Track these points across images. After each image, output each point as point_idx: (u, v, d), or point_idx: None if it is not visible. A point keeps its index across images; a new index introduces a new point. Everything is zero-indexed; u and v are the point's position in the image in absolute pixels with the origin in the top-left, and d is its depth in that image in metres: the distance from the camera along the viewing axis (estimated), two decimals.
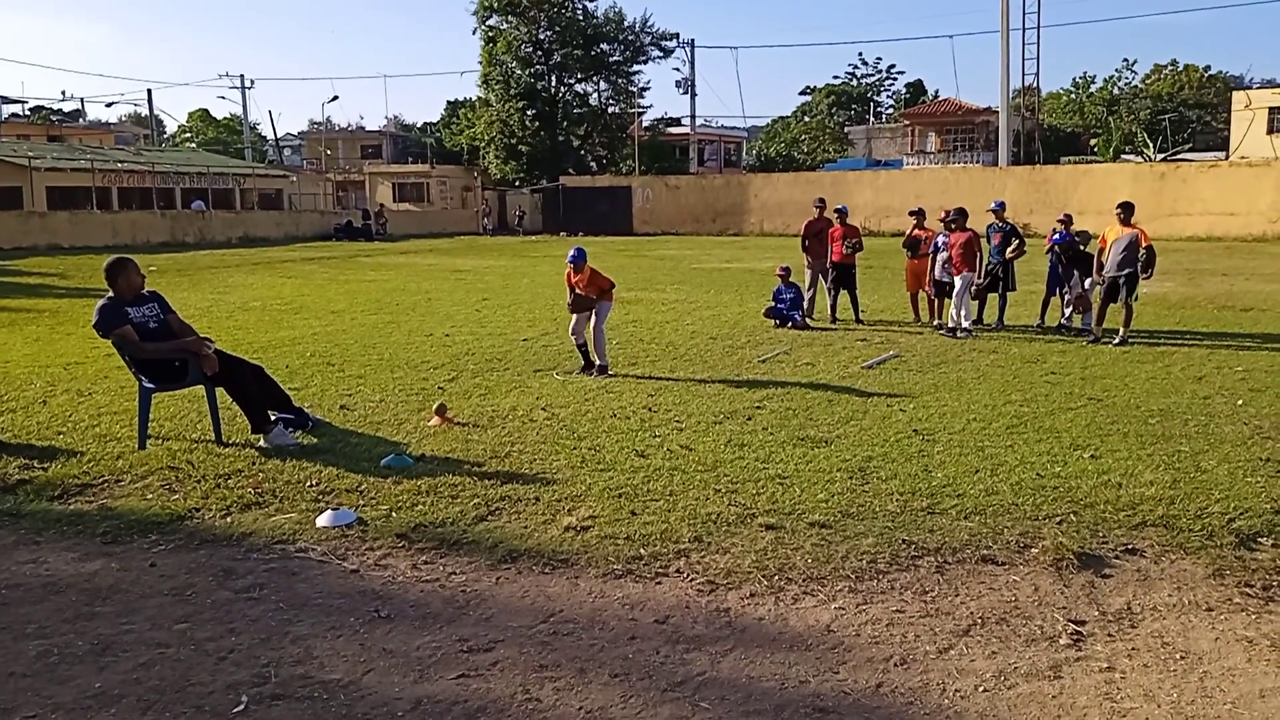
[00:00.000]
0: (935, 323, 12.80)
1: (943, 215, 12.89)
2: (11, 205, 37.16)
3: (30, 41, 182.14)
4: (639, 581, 4.71)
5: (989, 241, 13.21)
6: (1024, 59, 47.05)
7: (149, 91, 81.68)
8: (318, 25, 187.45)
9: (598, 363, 9.79)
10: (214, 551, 5.12)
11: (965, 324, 12.30)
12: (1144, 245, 11.40)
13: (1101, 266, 11.76)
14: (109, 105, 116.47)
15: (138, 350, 7.14)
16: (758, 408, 8.30)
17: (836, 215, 14.09)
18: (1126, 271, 11.40)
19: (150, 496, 5.99)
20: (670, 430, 7.53)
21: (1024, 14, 46.11)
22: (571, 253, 9.64)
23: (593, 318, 9.63)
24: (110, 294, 7.22)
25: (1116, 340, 11.43)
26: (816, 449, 6.94)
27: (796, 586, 4.64)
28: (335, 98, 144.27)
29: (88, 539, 5.31)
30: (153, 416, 7.45)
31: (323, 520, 5.47)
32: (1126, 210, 11.75)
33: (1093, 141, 54.96)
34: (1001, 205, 13.88)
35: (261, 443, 7.04)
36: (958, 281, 12.34)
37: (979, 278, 12.59)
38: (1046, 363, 10.39)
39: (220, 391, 7.33)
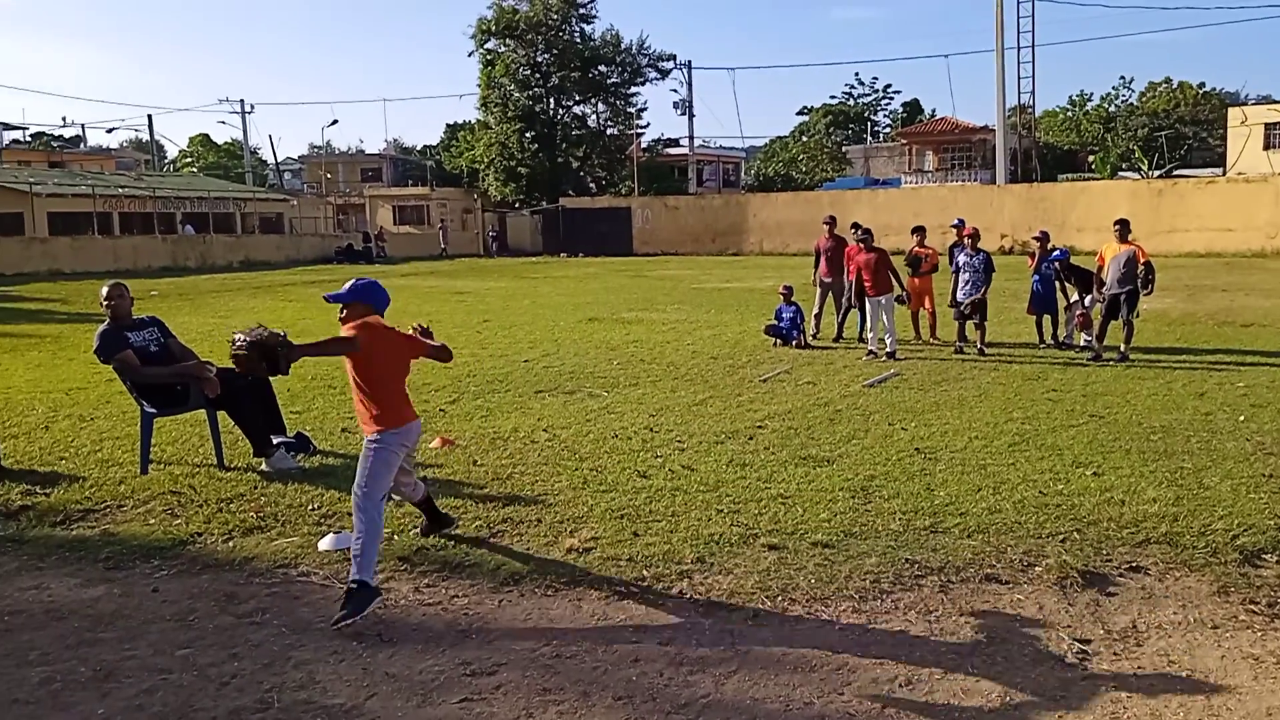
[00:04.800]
0: (957, 344, 12.62)
1: (854, 232, 12.88)
2: (13, 231, 37.25)
3: (32, 68, 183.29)
4: (642, 603, 4.70)
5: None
6: (1020, 77, 47.27)
7: (149, 117, 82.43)
8: (317, 50, 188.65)
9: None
10: (216, 576, 5.11)
11: (890, 346, 12.19)
12: (1142, 261, 11.42)
13: (1101, 284, 11.77)
14: (110, 131, 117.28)
15: (139, 375, 7.15)
16: (759, 427, 8.30)
17: (855, 233, 13.80)
18: (1127, 289, 11.42)
19: (152, 521, 5.99)
20: (672, 451, 7.53)
21: (1019, 33, 46.34)
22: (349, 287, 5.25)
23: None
24: (110, 320, 7.24)
25: (1118, 357, 11.43)
26: (819, 468, 6.93)
27: (800, 607, 4.62)
28: (335, 121, 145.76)
29: (90, 565, 5.30)
30: (155, 441, 7.45)
31: (325, 544, 5.46)
32: (1123, 227, 11.77)
33: (1090, 159, 55.15)
34: (961, 223, 13.95)
35: (263, 466, 7.04)
36: (882, 300, 12.28)
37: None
38: (1048, 380, 10.40)
39: (222, 416, 7.33)
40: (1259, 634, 4.27)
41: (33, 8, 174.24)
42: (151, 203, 43.90)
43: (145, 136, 73.17)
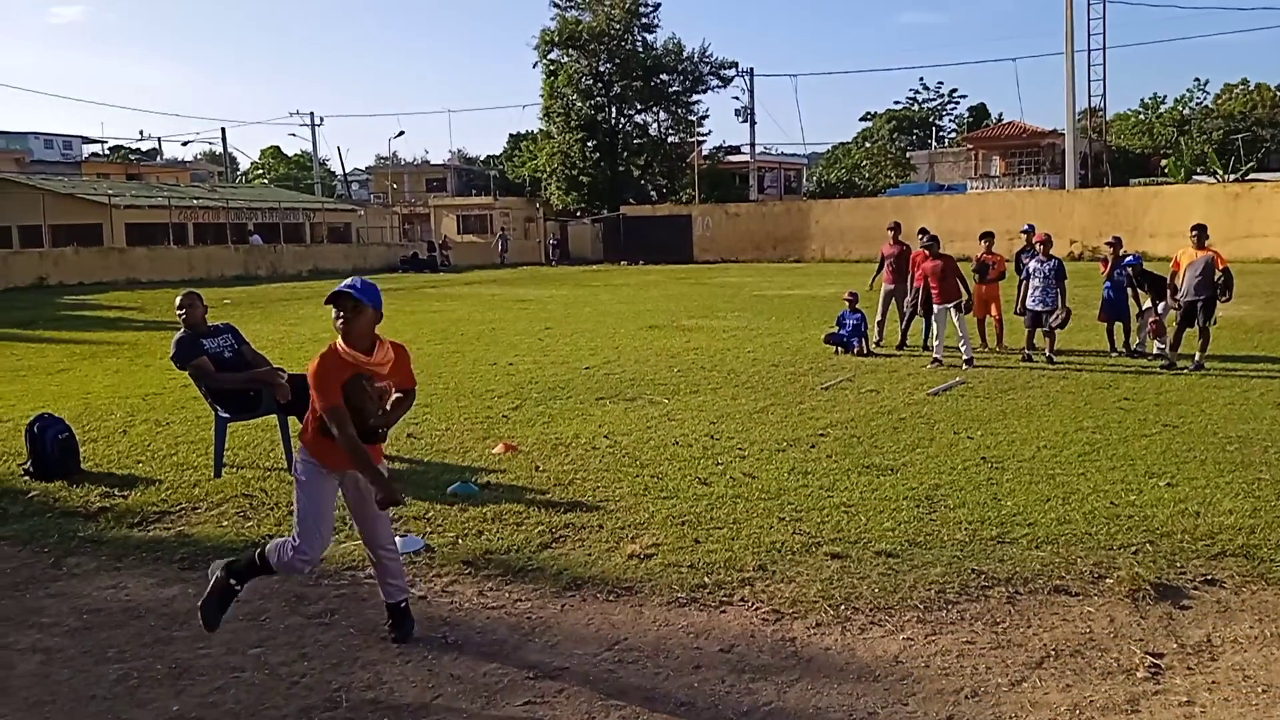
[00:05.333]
0: (1025, 351, 12.41)
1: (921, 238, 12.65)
2: (92, 241, 38.50)
3: (110, 83, 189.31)
4: (703, 610, 4.70)
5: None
6: (1090, 80, 46.39)
7: (223, 130, 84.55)
8: (385, 63, 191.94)
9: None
10: (286, 577, 5.21)
11: (965, 354, 11.98)
12: (1220, 267, 11.13)
13: (1176, 290, 11.49)
14: (185, 144, 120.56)
15: (214, 380, 7.35)
16: (821, 435, 8.24)
17: (921, 238, 13.60)
18: (1204, 295, 11.13)
19: (226, 524, 6.14)
20: (733, 458, 7.51)
21: (1089, 35, 45.48)
22: (348, 284, 4.27)
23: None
24: (185, 327, 7.45)
25: (1192, 365, 11.14)
26: (882, 477, 6.87)
27: (863, 616, 4.59)
28: (401, 133, 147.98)
29: (166, 565, 5.45)
30: (228, 445, 7.64)
31: None
32: (1200, 232, 11.47)
33: (1163, 163, 53.81)
34: (1031, 229, 13.80)
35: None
36: (951, 309, 12.06)
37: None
38: (1119, 389, 10.17)
39: (293, 421, 7.49)
40: None
41: (111, 25, 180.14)
42: (224, 213, 45.03)
43: (219, 149, 75.01)
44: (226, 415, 7.39)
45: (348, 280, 4.19)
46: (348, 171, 79.21)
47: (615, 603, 4.81)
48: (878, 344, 13.81)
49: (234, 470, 7.39)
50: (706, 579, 5.03)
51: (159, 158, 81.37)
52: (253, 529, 5.99)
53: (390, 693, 3.95)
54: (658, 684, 4.01)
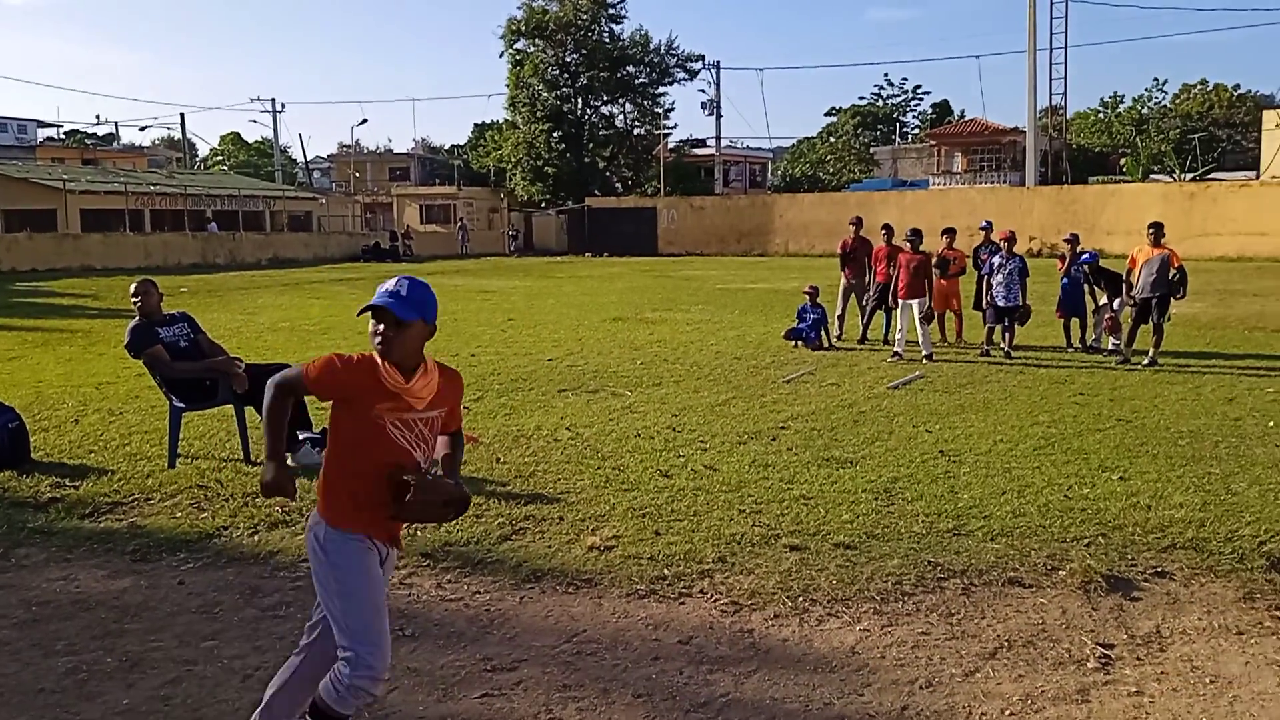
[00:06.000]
0: (984, 346, 12.54)
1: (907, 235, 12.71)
2: (46, 227, 37.80)
3: (66, 66, 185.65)
4: (663, 602, 4.71)
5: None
6: (1051, 79, 46.88)
7: (182, 115, 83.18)
8: (348, 50, 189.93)
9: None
10: (241, 569, 5.16)
11: (925, 349, 12.11)
12: (1175, 266, 11.32)
13: (1131, 287, 11.67)
14: (142, 129, 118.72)
15: (169, 370, 7.24)
16: (782, 428, 8.28)
17: (884, 234, 13.78)
18: (1159, 293, 11.31)
19: (179, 515, 6.06)
20: (694, 450, 7.53)
21: (1051, 34, 45.97)
22: (392, 290, 3.20)
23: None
24: (141, 315, 7.34)
25: (1146, 361, 11.32)
26: (841, 470, 6.92)
27: (821, 608, 4.62)
28: (364, 121, 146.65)
29: (117, 557, 5.37)
30: (182, 436, 7.53)
31: None
32: (1157, 231, 11.66)
33: (1121, 161, 54.60)
34: (989, 225, 14.09)
35: (289, 461, 7.10)
36: (915, 307, 12.17)
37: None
38: (1074, 384, 10.31)
39: (250, 411, 7.40)
40: None
41: (68, 7, 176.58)
42: (182, 200, 44.41)
43: (177, 135, 74.07)
44: (181, 405, 7.29)
45: (391, 283, 3.16)
46: (309, 159, 78.37)
47: (574, 595, 4.81)
48: (839, 338, 13.92)
49: (188, 461, 7.29)
50: (666, 571, 5.04)
51: (116, 143, 79.94)
52: (207, 520, 5.91)
53: None
54: (616, 675, 4.01)
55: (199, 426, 8.23)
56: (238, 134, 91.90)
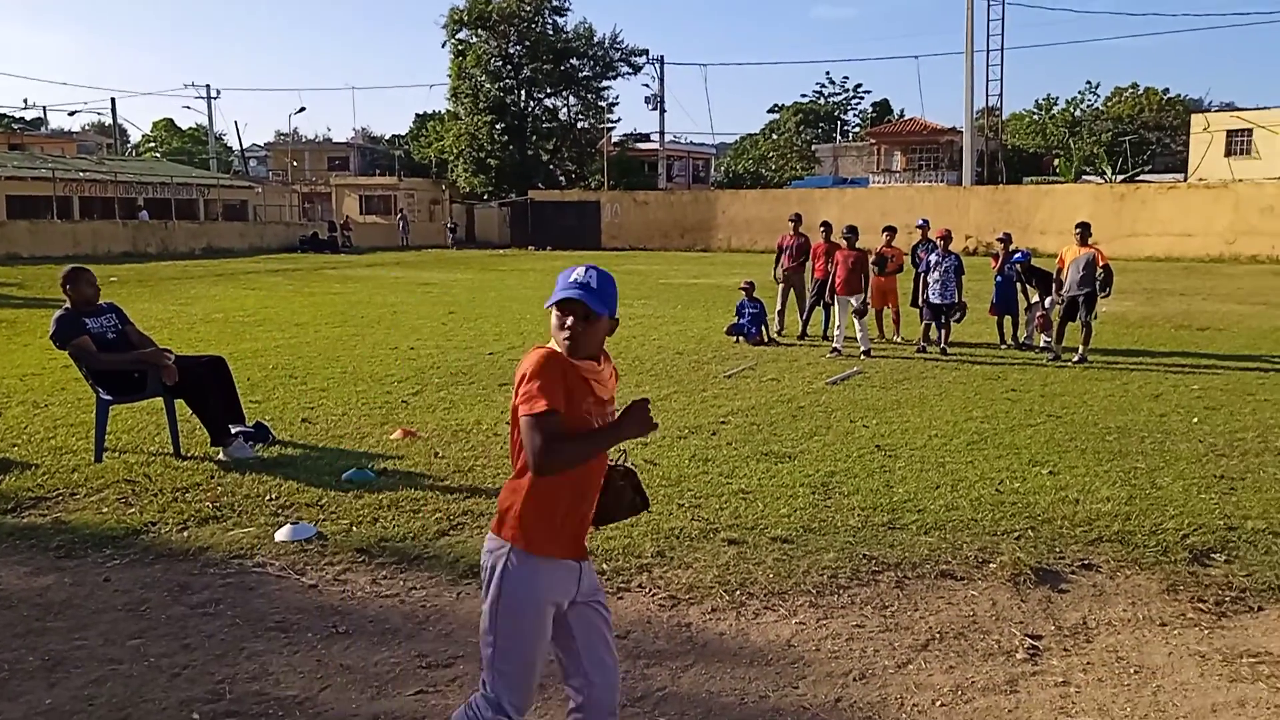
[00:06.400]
0: (920, 342, 12.71)
1: (844, 232, 12.89)
2: None
3: None
4: None
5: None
6: (988, 80, 47.73)
7: (113, 100, 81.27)
8: (285, 35, 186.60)
9: None
10: (170, 566, 5.05)
11: (863, 345, 12.29)
12: (1101, 264, 11.59)
13: (1060, 285, 11.93)
14: (72, 114, 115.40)
15: (95, 361, 7.05)
16: (722, 423, 8.32)
17: (822, 231, 13.91)
18: (1085, 290, 11.57)
19: (106, 510, 5.90)
20: (634, 445, 7.52)
21: (988, 36, 46.78)
22: (581, 280, 2.89)
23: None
24: (67, 305, 7.14)
25: (1076, 358, 11.58)
26: (780, 464, 6.97)
27: (758, 601, 4.65)
28: (302, 109, 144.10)
29: (41, 553, 5.22)
30: (110, 429, 7.35)
31: (281, 534, 5.42)
32: (1084, 230, 11.94)
33: (1055, 162, 55.81)
34: (925, 223, 14.35)
35: (221, 455, 6.97)
36: (853, 302, 12.36)
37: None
38: (1007, 380, 10.51)
39: (180, 404, 7.24)
40: (1205, 631, 4.35)
41: None
42: (113, 187, 43.27)
43: (108, 120, 72.06)
44: (109, 398, 7.10)
45: (579, 272, 2.87)
46: (245, 147, 76.83)
47: None
48: (779, 333, 14.02)
49: (116, 455, 7.11)
50: (605, 565, 5.04)
51: (44, 128, 77.60)
52: (134, 516, 5.77)
53: (276, 683, 3.85)
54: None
55: (127, 420, 8.03)
56: (171, 120, 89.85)
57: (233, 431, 7.17)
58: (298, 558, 5.13)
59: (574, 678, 3.00)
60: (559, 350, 2.84)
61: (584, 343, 2.84)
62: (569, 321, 2.81)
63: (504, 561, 2.83)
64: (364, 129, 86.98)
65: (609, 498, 3.04)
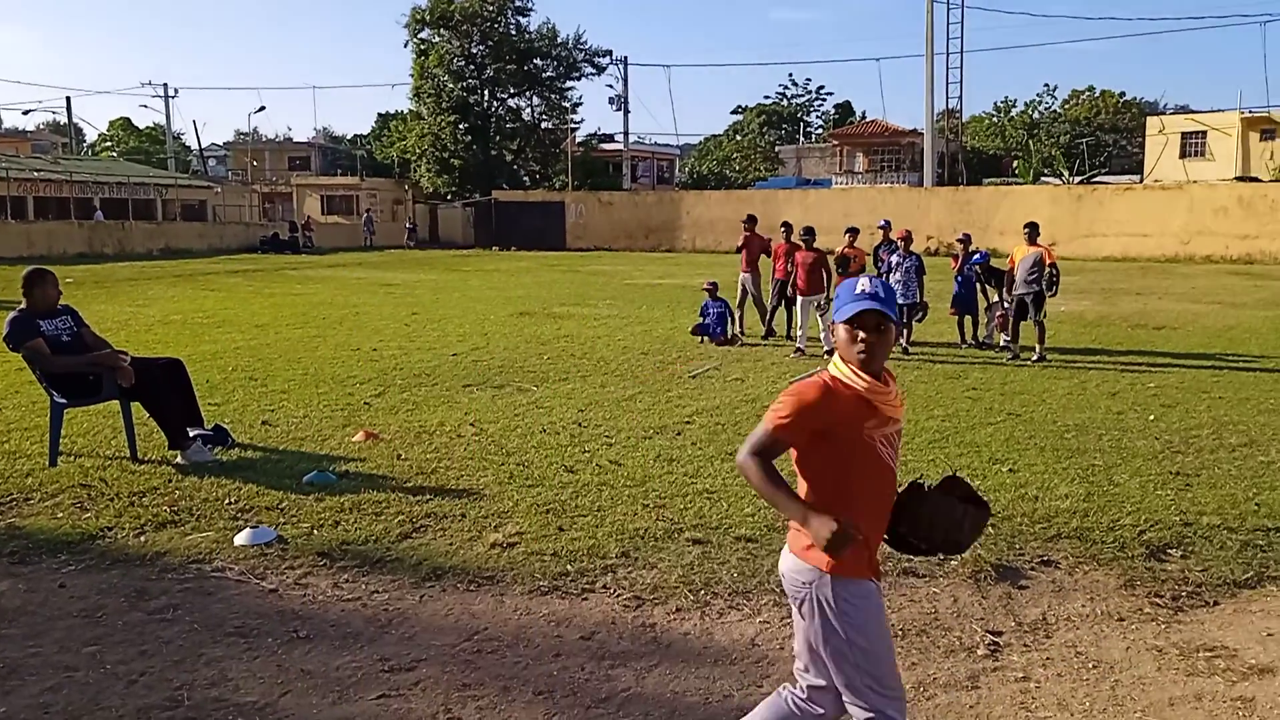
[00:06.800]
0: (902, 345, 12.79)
1: (802, 234, 13.02)
2: None
3: None
4: (565, 598, 4.69)
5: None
6: (948, 82, 48.21)
7: (68, 99, 79.94)
8: (245, 33, 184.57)
9: None
10: (127, 572, 4.97)
11: (826, 344, 12.38)
12: (1048, 263, 11.80)
13: (1012, 284, 12.13)
14: (26, 113, 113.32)
15: (49, 364, 6.93)
16: (687, 423, 8.34)
17: (782, 232, 14.16)
18: (1034, 290, 11.78)
19: (61, 515, 5.80)
20: (600, 446, 7.52)
21: (948, 39, 47.25)
22: (870, 291, 2.81)
23: None
24: (22, 305, 7.00)
25: (1035, 357, 11.73)
26: None
27: (722, 601, 4.66)
28: (262, 108, 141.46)
29: None
30: (65, 432, 7.22)
31: (241, 539, 5.35)
32: (1032, 230, 12.21)
33: (1014, 164, 56.49)
34: (887, 224, 14.50)
35: (178, 459, 6.87)
36: (800, 301, 12.47)
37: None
38: (967, 379, 10.62)
39: (137, 407, 7.13)
40: (1162, 626, 4.41)
41: None
42: (68, 187, 42.59)
43: (63, 119, 70.86)
44: (63, 401, 6.98)
45: (861, 283, 2.79)
46: (204, 147, 75.85)
47: (476, 592, 4.76)
48: (742, 333, 14.07)
49: (71, 459, 6.99)
50: (569, 567, 5.03)
51: None
52: (90, 520, 5.68)
53: (235, 690, 3.80)
54: (517, 673, 3.98)
55: (83, 423, 7.90)
56: (128, 119, 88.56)
57: (191, 435, 7.07)
58: (258, 562, 5.07)
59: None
60: (839, 375, 2.80)
61: (879, 353, 2.78)
62: (862, 335, 2.75)
63: (829, 590, 2.77)
64: (325, 128, 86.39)
65: (925, 520, 2.90)
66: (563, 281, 25.15)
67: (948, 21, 47.47)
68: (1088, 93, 68.13)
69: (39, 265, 7.38)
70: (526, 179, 56.68)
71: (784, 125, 73.17)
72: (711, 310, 13.51)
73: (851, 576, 2.76)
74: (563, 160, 56.05)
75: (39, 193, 42.00)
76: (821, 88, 78.40)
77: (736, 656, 4.12)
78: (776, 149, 68.61)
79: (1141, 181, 45.80)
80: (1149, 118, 55.59)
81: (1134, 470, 6.84)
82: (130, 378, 6.88)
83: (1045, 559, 5.19)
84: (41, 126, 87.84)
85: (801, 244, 12.84)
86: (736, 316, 14.16)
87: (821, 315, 12.42)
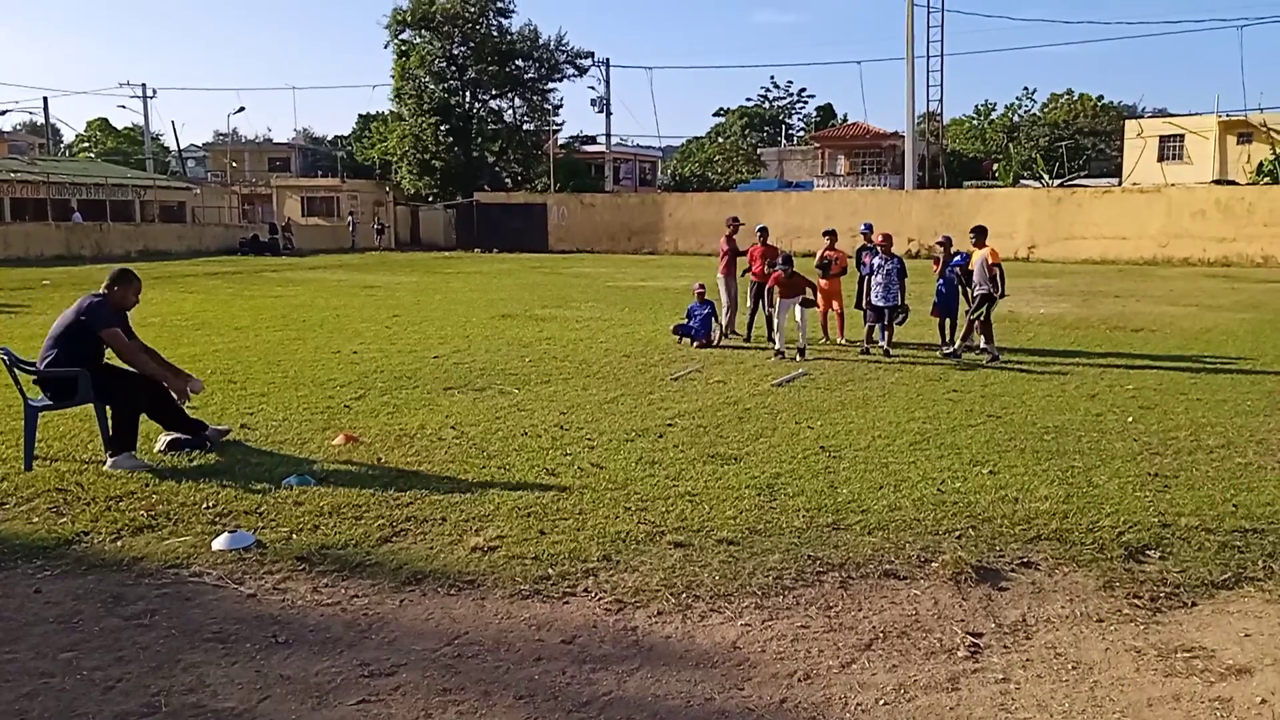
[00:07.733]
0: (864, 344, 12.84)
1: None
2: None
3: None
4: (546, 601, 4.67)
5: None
6: (929, 86, 48.48)
7: (45, 99, 79.16)
8: (224, 34, 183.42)
9: None
10: (103, 577, 4.92)
11: (801, 343, 12.43)
12: (992, 264, 12.11)
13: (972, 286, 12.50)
14: (2, 113, 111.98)
15: (126, 354, 7.03)
16: (669, 425, 8.33)
17: (759, 235, 14.24)
18: (982, 290, 12.06)
19: (36, 520, 5.74)
20: (581, 448, 7.51)
21: (928, 42, 47.51)
22: None
23: None
24: (103, 294, 7.12)
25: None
26: (726, 466, 6.99)
27: (704, 604, 4.65)
28: (242, 109, 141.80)
29: None
30: (42, 436, 7.15)
31: (219, 543, 5.31)
32: (979, 233, 12.60)
33: (994, 167, 56.85)
34: (869, 227, 14.58)
35: (106, 466, 6.74)
36: (780, 305, 12.52)
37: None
38: (949, 381, 10.66)
39: (109, 410, 7.06)
40: (1141, 627, 4.44)
41: None
42: (45, 188, 42.20)
43: (40, 120, 70.21)
44: (36, 404, 6.92)
45: None
46: (183, 147, 75.34)
47: (456, 596, 4.74)
48: (725, 335, 14.08)
49: (46, 463, 6.92)
50: (550, 570, 5.01)
51: None
52: (66, 525, 5.62)
53: (214, 695, 3.77)
54: (497, 677, 3.96)
55: (58, 427, 7.83)
56: (106, 120, 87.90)
57: (169, 439, 7.09)
58: (236, 567, 5.03)
59: None
60: None
61: None
62: None
63: None
64: (305, 130, 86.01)
65: None
66: (545, 284, 25.12)
67: (928, 25, 47.78)
68: (1066, 96, 68.66)
69: (129, 268, 7.54)
70: (508, 181, 56.59)
71: (766, 128, 73.40)
72: (697, 313, 13.51)
73: None
74: (545, 162, 55.99)
75: (15, 194, 41.64)
76: (803, 90, 78.72)
77: (718, 659, 4.11)
78: (758, 151, 68.79)
79: (1120, 185, 46.13)
80: (1127, 121, 56.12)
81: (1113, 472, 6.88)
82: (199, 388, 7.32)
83: (1025, 560, 5.21)
84: (18, 127, 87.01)
85: (782, 270, 12.91)
86: (724, 321, 14.17)
87: (804, 308, 12.50)
